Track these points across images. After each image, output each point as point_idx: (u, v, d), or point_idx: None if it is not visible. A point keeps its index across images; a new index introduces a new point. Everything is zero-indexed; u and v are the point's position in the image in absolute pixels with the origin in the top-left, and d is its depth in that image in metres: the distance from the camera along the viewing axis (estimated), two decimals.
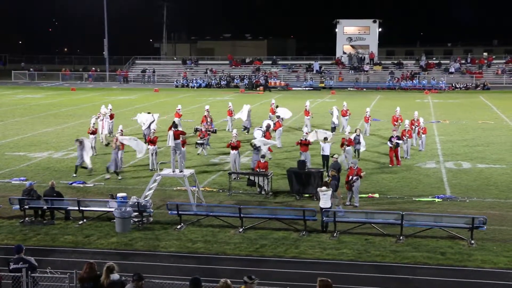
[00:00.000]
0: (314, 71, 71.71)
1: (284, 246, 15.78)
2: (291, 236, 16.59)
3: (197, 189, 19.57)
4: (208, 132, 28.47)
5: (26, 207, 18.11)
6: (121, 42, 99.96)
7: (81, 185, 22.31)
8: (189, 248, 15.72)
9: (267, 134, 26.68)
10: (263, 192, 20.82)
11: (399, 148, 25.23)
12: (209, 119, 30.62)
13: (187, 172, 19.35)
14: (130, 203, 17.58)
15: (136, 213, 17.58)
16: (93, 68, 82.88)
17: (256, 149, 23.38)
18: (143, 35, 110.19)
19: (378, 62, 74.63)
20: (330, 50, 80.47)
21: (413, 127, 28.38)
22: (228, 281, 9.47)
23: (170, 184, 21.93)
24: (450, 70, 69.92)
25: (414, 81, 66.59)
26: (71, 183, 22.49)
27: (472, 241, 15.82)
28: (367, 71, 71.61)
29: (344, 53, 75.85)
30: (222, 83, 69.44)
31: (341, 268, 14.39)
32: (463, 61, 72.41)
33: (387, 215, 16.89)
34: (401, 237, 16.20)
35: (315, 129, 27.03)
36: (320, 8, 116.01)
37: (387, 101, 51.57)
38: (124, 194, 18.20)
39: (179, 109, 33.91)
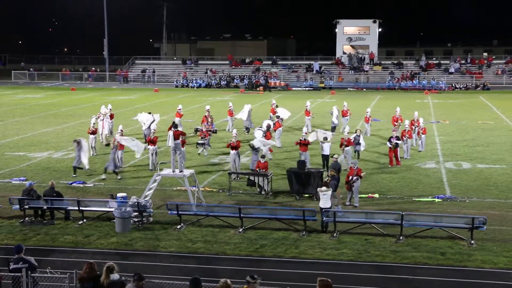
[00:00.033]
0: (314, 71, 71.71)
1: (284, 246, 15.78)
2: (291, 236, 16.59)
3: (197, 189, 19.57)
4: (209, 132, 28.46)
5: (26, 207, 18.11)
6: (121, 42, 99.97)
7: (81, 185, 22.31)
8: (189, 248, 15.72)
9: (267, 134, 26.68)
10: (263, 192, 20.82)
11: (398, 148, 25.22)
12: (209, 119, 30.60)
13: (187, 172, 19.35)
14: (130, 203, 17.59)
15: (136, 213, 17.58)
16: (93, 68, 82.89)
17: (255, 149, 23.38)
18: (143, 35, 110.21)
19: (378, 62, 74.64)
20: (330, 50, 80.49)
21: (413, 127, 28.37)
22: (228, 281, 9.47)
23: (170, 184, 21.93)
24: (450, 70, 69.92)
25: (414, 81, 66.60)
26: (71, 183, 22.49)
27: (472, 241, 15.82)
28: (367, 71, 71.61)
29: (344, 53, 75.85)
30: (222, 83, 69.44)
31: (341, 268, 14.39)
32: (463, 61, 72.43)
33: (387, 215, 16.89)
34: (401, 237, 16.20)
35: (315, 129, 27.03)
36: (320, 8, 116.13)
37: (387, 101, 51.58)
38: (124, 194, 18.21)
39: (180, 109, 33.84)
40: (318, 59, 75.63)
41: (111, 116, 32.33)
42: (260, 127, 27.99)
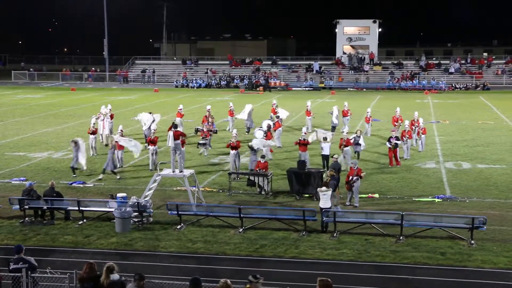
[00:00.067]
0: (314, 71, 71.71)
1: (284, 246, 15.78)
2: (291, 236, 16.59)
3: (197, 189, 19.57)
4: (209, 132, 28.45)
5: (26, 207, 18.11)
6: (121, 42, 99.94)
7: (81, 185, 22.31)
8: (189, 248, 15.72)
9: (268, 134, 26.67)
10: (263, 192, 20.82)
11: (398, 148, 25.21)
12: (210, 119, 30.52)
13: (187, 172, 19.35)
14: (130, 203, 17.59)
15: (136, 213, 17.58)
16: (93, 68, 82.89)
17: (254, 150, 23.35)
18: (143, 35, 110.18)
19: (378, 62, 74.65)
20: (330, 50, 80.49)
21: (413, 127, 28.36)
22: (228, 281, 9.47)
23: (170, 184, 21.93)
24: (450, 70, 69.92)
25: (414, 81, 66.61)
26: (71, 183, 22.49)
27: (472, 241, 15.82)
28: (367, 71, 71.62)
29: (344, 53, 75.86)
30: (222, 83, 69.45)
31: (341, 268, 14.39)
32: (463, 61, 72.43)
33: (387, 215, 16.89)
34: (401, 237, 16.20)
35: (315, 129, 27.01)
36: (320, 8, 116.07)
37: (387, 101, 51.58)
38: (124, 194, 18.22)
39: (181, 109, 33.73)
40: (318, 59, 75.64)
41: (111, 116, 32.33)
42: (261, 127, 27.99)
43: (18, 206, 18.17)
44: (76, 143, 23.59)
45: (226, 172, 22.95)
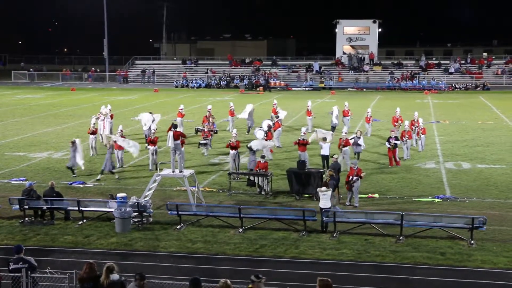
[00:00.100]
0: (314, 72, 71.71)
1: (284, 246, 15.79)
2: (291, 236, 16.59)
3: (197, 189, 19.57)
4: (210, 132, 28.45)
5: (26, 207, 18.11)
6: (121, 42, 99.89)
7: (81, 185, 22.31)
8: (189, 248, 15.72)
9: (269, 134, 26.65)
10: (263, 192, 20.82)
11: (397, 148, 25.18)
12: (211, 120, 30.44)
13: (187, 172, 19.35)
14: (130, 203, 17.59)
15: (136, 213, 17.58)
16: (93, 68, 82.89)
17: (253, 151, 23.29)
18: (143, 35, 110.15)
19: (378, 62, 74.65)
20: (330, 50, 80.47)
21: (413, 127, 28.36)
22: (228, 281, 9.48)
23: (170, 184, 21.93)
24: (450, 71, 69.93)
25: (414, 81, 66.61)
26: (71, 183, 22.50)
27: (472, 241, 15.82)
28: (367, 71, 71.63)
29: (344, 53, 75.87)
30: (221, 84, 69.45)
31: (341, 268, 14.40)
32: (463, 62, 72.44)
33: (387, 215, 16.88)
34: (401, 237, 16.20)
35: (315, 129, 26.98)
36: (320, 8, 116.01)
37: (387, 102, 51.58)
38: (124, 194, 18.23)
39: (182, 109, 33.65)
40: (318, 59, 75.64)
41: (111, 117, 32.31)
42: (261, 127, 27.96)
43: (18, 206, 18.17)
44: (73, 143, 23.63)
45: (226, 172, 22.95)
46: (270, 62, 76.92)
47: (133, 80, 76.73)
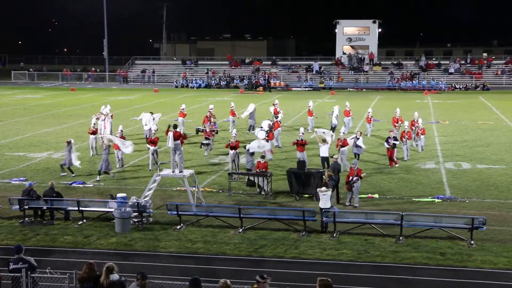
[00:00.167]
0: (314, 72, 71.71)
1: (283, 247, 15.79)
2: (290, 236, 16.60)
3: (196, 189, 19.57)
4: (212, 132, 28.43)
5: (26, 207, 18.11)
6: (121, 42, 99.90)
7: (81, 185, 22.31)
8: (188, 249, 15.72)
9: (270, 135, 26.63)
10: (262, 193, 20.82)
11: (396, 149, 25.15)
12: (212, 120, 30.35)
13: (187, 172, 19.35)
14: (129, 203, 17.59)
15: (135, 214, 17.58)
16: (93, 69, 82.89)
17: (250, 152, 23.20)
18: (143, 35, 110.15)
19: (378, 62, 74.67)
20: (330, 50, 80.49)
21: (413, 127, 28.35)
22: (228, 281, 9.48)
23: (170, 185, 21.93)
24: (449, 71, 69.95)
25: (413, 81, 66.62)
26: (71, 183, 22.50)
27: (472, 242, 15.82)
28: (366, 71, 71.64)
29: (344, 53, 75.88)
30: (221, 84, 69.46)
31: (341, 268, 14.40)
32: (463, 62, 72.46)
33: (387, 216, 16.88)
34: (400, 238, 16.20)
35: (315, 130, 26.92)
36: (320, 8, 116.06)
37: (387, 102, 51.60)
38: (123, 195, 18.23)
39: (183, 109, 33.53)
40: (318, 60, 75.66)
41: (111, 117, 32.29)
42: (261, 128, 27.91)
43: (18, 206, 18.17)
44: (69, 143, 23.68)
45: (226, 172, 22.95)
46: (270, 62, 76.94)
47: (133, 80, 76.74)
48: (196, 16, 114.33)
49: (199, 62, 79.40)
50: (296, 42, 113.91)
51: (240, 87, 66.55)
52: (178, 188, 21.43)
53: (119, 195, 18.18)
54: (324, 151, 23.73)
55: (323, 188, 17.30)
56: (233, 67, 76.36)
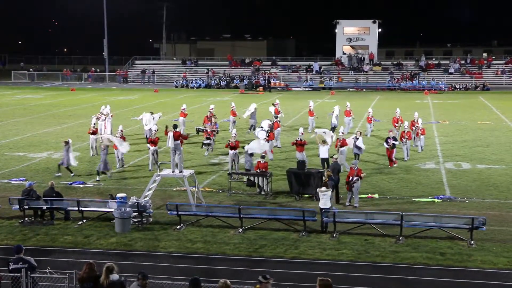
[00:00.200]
0: (314, 72, 71.72)
1: (283, 247, 15.79)
2: (290, 236, 16.60)
3: (196, 189, 19.57)
4: (213, 133, 28.42)
5: (26, 207, 18.11)
6: (121, 42, 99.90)
7: (81, 185, 22.31)
8: (188, 249, 15.72)
9: (271, 135, 26.62)
10: (262, 193, 20.82)
11: (395, 149, 25.14)
12: (213, 120, 30.32)
13: (187, 172, 19.35)
14: (129, 203, 17.59)
15: (135, 214, 17.58)
16: (93, 69, 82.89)
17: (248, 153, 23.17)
18: (143, 35, 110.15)
19: (378, 62, 74.68)
20: (329, 50, 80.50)
21: (413, 128, 28.34)
22: (228, 281, 9.48)
23: (170, 185, 21.93)
24: (449, 71, 69.95)
25: (413, 81, 66.63)
26: (71, 183, 22.50)
27: (472, 242, 15.82)
28: (366, 71, 71.65)
29: (344, 53, 75.89)
30: (221, 84, 69.46)
31: (341, 268, 14.40)
32: (463, 62, 72.46)
33: (387, 216, 16.88)
34: (400, 238, 16.20)
35: (315, 130, 26.89)
36: (320, 8, 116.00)
37: (387, 102, 51.59)
38: (123, 195, 18.23)
39: (184, 109, 33.48)
40: (318, 60, 75.67)
41: (111, 117, 32.28)
42: (261, 128, 27.88)
43: (17, 206, 18.17)
44: (67, 143, 23.71)
45: (226, 172, 22.95)
46: (270, 62, 76.95)
47: (133, 80, 76.74)
48: (196, 16, 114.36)
49: (199, 62, 79.40)
50: (296, 42, 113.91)
51: (240, 87, 66.55)
52: (178, 188, 21.43)
53: (119, 195, 18.19)
54: (323, 152, 23.67)
55: (323, 188, 17.31)
56: (233, 67, 76.36)
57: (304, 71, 72.41)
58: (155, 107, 44.62)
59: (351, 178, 19.38)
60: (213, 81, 70.28)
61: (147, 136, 28.54)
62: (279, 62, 77.24)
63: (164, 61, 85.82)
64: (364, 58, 74.29)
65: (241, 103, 45.38)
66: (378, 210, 18.59)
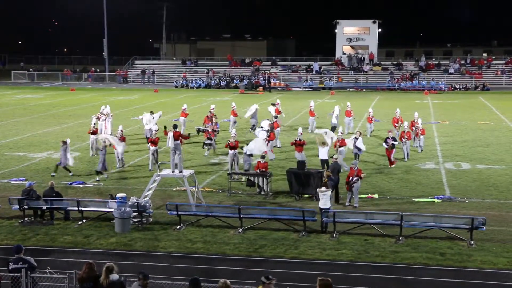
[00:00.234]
0: (314, 72, 71.73)
1: (283, 247, 15.79)
2: (290, 236, 16.60)
3: (196, 189, 19.57)
4: (214, 132, 28.41)
5: (26, 207, 18.11)
6: (121, 42, 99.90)
7: (81, 185, 22.31)
8: (188, 249, 15.72)
9: (271, 135, 26.62)
10: (262, 193, 20.82)
11: (394, 149, 25.12)
12: (214, 120, 30.30)
13: (187, 172, 19.35)
14: (129, 203, 17.59)
15: (135, 214, 17.58)
16: (93, 69, 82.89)
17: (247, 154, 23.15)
18: (143, 35, 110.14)
19: (378, 62, 74.68)
20: (329, 50, 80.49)
21: (413, 128, 28.33)
22: (228, 281, 9.48)
23: (169, 185, 21.93)
24: (449, 71, 69.95)
25: (413, 81, 66.62)
26: (71, 183, 22.50)
27: (472, 242, 15.82)
28: (366, 71, 71.65)
29: (344, 53, 75.88)
30: (221, 84, 69.46)
31: (341, 268, 14.40)
32: (463, 62, 72.46)
33: (387, 216, 16.89)
34: (400, 238, 16.20)
35: (316, 130, 26.85)
36: (320, 8, 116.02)
37: (387, 102, 51.59)
38: (123, 195, 18.23)
39: (185, 108, 33.44)
40: (318, 60, 75.67)
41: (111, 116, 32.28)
42: (262, 128, 27.88)
43: (17, 206, 18.17)
44: (65, 143, 23.72)
45: (226, 172, 22.95)
46: (270, 62, 76.94)
47: (133, 80, 76.74)
48: (196, 16, 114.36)
49: (199, 62, 79.41)
50: (296, 42, 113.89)
51: (240, 87, 66.54)
52: (178, 188, 21.43)
53: (119, 195, 18.18)
54: (323, 153, 23.60)
55: (323, 188, 17.31)
56: (233, 67, 76.36)
57: (304, 71, 72.42)
58: (155, 107, 44.58)
59: (351, 178, 19.38)
60: (213, 81, 70.29)
61: (147, 136, 28.54)
62: (279, 62, 77.24)
63: (164, 61, 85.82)
64: (364, 58, 74.29)
65: (241, 103, 45.38)
66: (378, 210, 18.59)
